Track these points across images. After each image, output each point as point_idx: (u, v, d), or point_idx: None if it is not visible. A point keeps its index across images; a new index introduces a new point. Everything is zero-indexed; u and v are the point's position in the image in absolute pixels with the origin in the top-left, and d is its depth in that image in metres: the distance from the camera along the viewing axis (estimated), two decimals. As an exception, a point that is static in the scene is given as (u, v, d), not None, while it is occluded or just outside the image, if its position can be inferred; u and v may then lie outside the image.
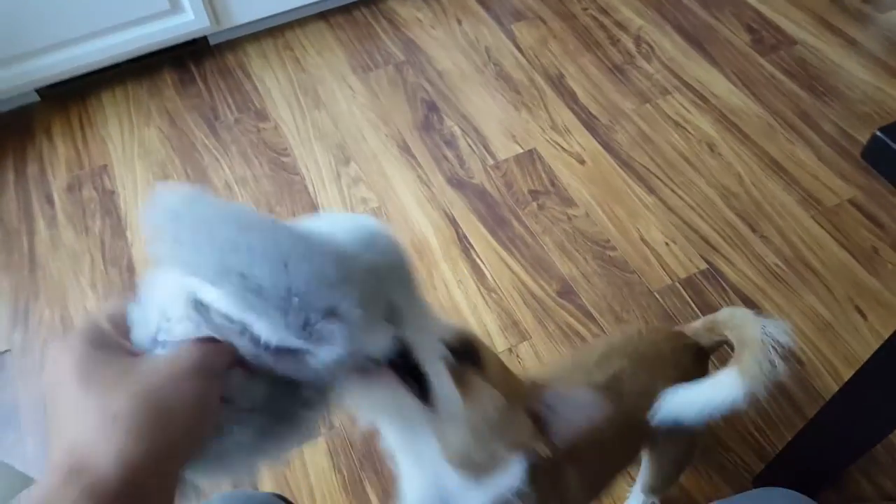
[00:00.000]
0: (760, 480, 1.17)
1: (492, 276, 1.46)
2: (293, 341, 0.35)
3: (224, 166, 1.70)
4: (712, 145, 1.68)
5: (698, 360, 0.89)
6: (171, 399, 0.35)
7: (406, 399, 0.49)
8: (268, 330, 0.35)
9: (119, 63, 1.86)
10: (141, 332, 0.39)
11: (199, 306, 0.37)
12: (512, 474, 0.57)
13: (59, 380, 0.37)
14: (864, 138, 1.66)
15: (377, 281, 0.39)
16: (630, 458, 0.90)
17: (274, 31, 2.03)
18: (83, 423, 0.34)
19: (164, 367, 0.36)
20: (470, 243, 1.52)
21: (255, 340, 0.36)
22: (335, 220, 0.42)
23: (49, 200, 1.66)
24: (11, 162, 1.74)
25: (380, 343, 0.40)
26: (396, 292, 0.41)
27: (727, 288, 1.42)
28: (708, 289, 1.43)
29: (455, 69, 1.90)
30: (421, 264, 1.49)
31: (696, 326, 0.92)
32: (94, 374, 0.36)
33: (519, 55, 1.93)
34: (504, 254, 1.50)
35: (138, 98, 1.87)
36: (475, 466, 0.54)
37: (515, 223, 1.55)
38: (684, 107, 1.77)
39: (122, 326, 0.40)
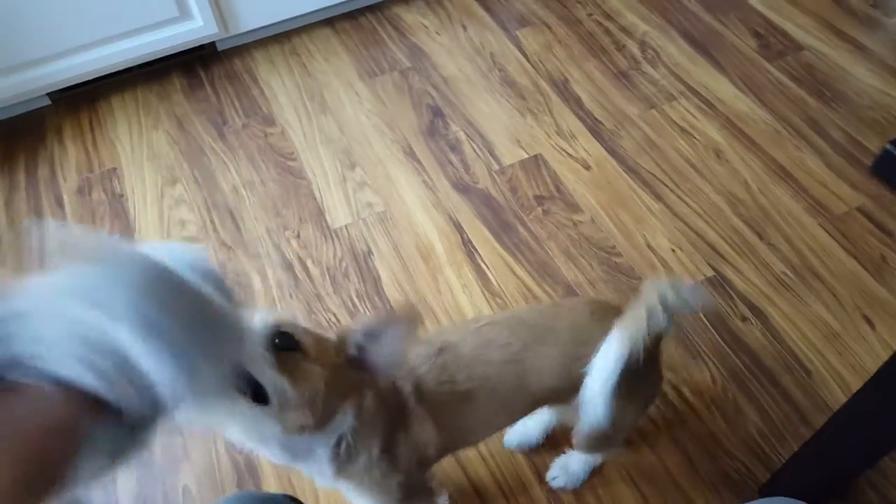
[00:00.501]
0: (766, 490, 1.16)
1: (496, 281, 1.46)
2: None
3: (231, 170, 1.71)
4: (719, 151, 1.68)
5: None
6: (38, 451, 0.34)
7: (244, 407, 0.59)
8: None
9: (129, 68, 1.88)
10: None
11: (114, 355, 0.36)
12: (346, 418, 0.72)
13: None
14: (872, 145, 1.66)
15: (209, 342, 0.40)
16: (509, 417, 0.96)
17: (281, 37, 2.03)
18: None
19: (36, 417, 0.34)
20: (475, 248, 1.52)
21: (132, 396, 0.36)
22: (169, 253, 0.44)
23: (59, 203, 1.67)
24: (23, 164, 1.76)
25: (212, 384, 0.41)
26: (224, 342, 0.43)
27: (734, 295, 1.42)
28: (714, 296, 1.42)
29: (460, 75, 1.90)
30: (426, 268, 1.49)
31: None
32: None
33: (524, 61, 1.93)
34: (509, 259, 1.50)
35: (148, 102, 1.89)
36: (314, 428, 0.67)
37: (520, 228, 1.55)
38: (690, 112, 1.76)
39: None
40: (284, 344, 0.63)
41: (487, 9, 2.08)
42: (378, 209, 1.61)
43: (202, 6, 1.78)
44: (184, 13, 1.79)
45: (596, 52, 1.94)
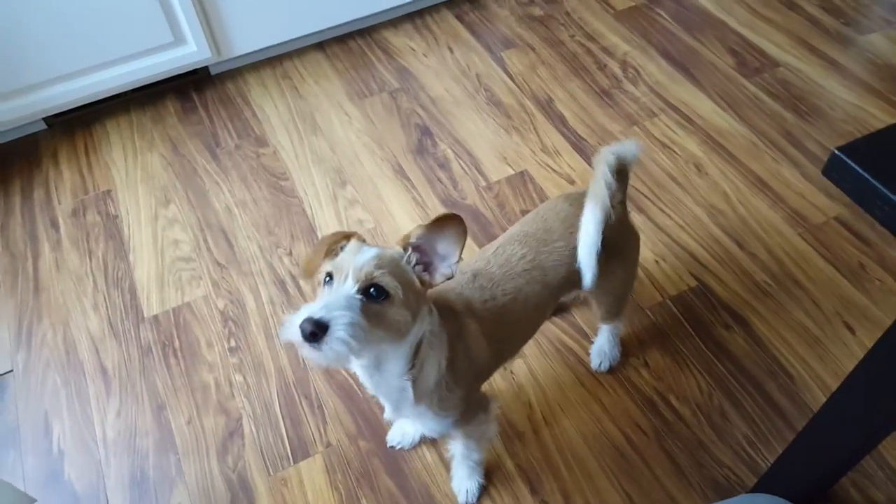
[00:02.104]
0: (752, 493, 1.18)
1: (486, 295, 1.49)
2: None
3: (224, 190, 1.74)
4: (699, 165, 1.72)
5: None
6: None
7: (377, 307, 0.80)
8: None
9: (124, 92, 1.91)
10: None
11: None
12: (423, 325, 0.88)
13: None
14: (846, 157, 1.70)
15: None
16: (544, 312, 1.13)
17: (273, 60, 2.08)
18: None
19: None
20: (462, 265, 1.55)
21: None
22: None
23: (54, 224, 1.69)
24: (18, 187, 1.78)
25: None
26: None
27: (716, 304, 1.45)
28: (698, 305, 1.45)
29: (447, 95, 1.95)
30: (416, 284, 1.52)
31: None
32: None
33: (509, 81, 1.98)
34: (497, 273, 1.53)
35: (142, 125, 1.92)
36: (410, 322, 0.85)
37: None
38: (671, 128, 1.82)
39: None
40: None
41: (473, 32, 2.14)
42: (369, 226, 1.64)
43: (196, 32, 1.83)
44: (178, 38, 1.84)
45: (579, 71, 1.99)
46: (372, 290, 0.78)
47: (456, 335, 0.95)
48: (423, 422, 1.02)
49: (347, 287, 0.78)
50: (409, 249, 0.84)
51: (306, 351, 0.75)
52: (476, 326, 0.98)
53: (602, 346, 1.36)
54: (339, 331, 0.74)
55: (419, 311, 0.86)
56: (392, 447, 1.28)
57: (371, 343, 0.80)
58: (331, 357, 0.75)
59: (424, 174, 1.75)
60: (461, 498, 1.20)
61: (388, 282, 0.79)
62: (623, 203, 1.11)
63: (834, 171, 0.58)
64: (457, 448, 1.16)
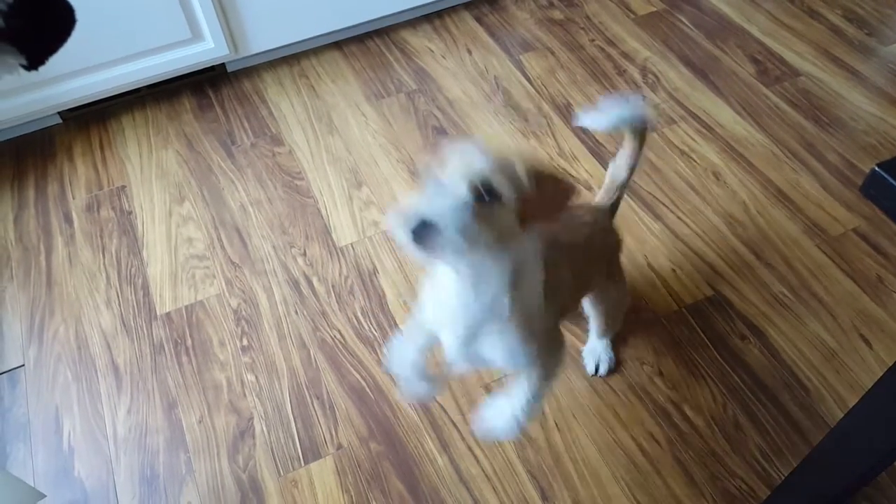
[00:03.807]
0: (766, 507, 1.17)
1: (500, 299, 1.48)
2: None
3: (239, 188, 1.74)
4: (718, 174, 1.71)
5: (612, 215, 1.23)
6: None
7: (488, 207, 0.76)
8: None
9: (140, 88, 1.92)
10: None
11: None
12: (525, 238, 0.83)
13: None
14: (867, 168, 1.68)
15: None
16: (589, 283, 1.18)
17: (290, 58, 2.08)
18: None
19: None
20: (478, 267, 1.55)
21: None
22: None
23: (68, 219, 1.70)
24: (33, 181, 1.79)
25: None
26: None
27: (733, 315, 1.44)
28: (714, 315, 1.44)
29: (465, 97, 1.94)
30: (430, 287, 1.51)
31: (601, 195, 1.23)
32: None
33: (527, 84, 1.97)
34: (512, 278, 1.52)
35: (157, 122, 1.93)
36: (518, 230, 0.80)
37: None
38: (690, 136, 1.80)
39: None
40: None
41: (492, 34, 2.13)
42: (383, 227, 1.64)
43: (213, 28, 1.83)
44: (195, 35, 1.84)
45: (598, 76, 1.98)
46: (484, 191, 0.74)
47: (549, 262, 0.93)
48: (505, 346, 0.93)
49: (460, 185, 0.73)
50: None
51: (412, 250, 0.72)
52: (562, 257, 0.98)
53: (595, 348, 1.37)
54: (450, 232, 0.71)
55: (528, 222, 0.81)
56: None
57: (478, 247, 0.76)
58: (437, 256, 0.75)
59: (440, 176, 1.74)
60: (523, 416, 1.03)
61: (502, 183, 0.74)
62: (616, 206, 1.21)
63: (873, 187, 0.57)
64: (518, 387, 1.02)
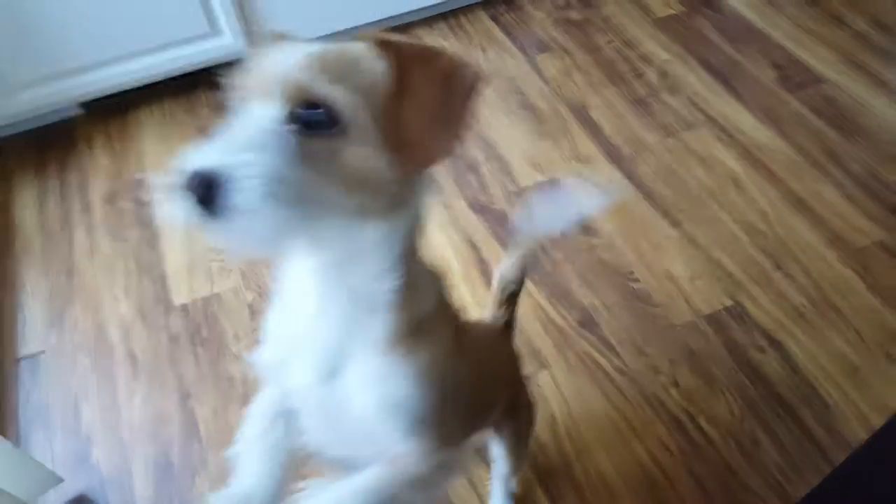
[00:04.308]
0: (784, 526, 1.13)
1: (512, 303, 1.45)
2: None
3: (249, 184, 1.72)
4: (737, 181, 1.67)
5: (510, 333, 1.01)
6: None
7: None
8: None
9: (158, 81, 1.91)
10: None
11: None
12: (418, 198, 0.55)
13: None
14: (892, 179, 1.65)
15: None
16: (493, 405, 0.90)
17: (303, 53, 2.06)
18: None
19: None
20: (490, 267, 1.52)
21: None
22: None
23: (88, 209, 1.69)
24: (55, 171, 1.79)
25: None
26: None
27: (751, 325, 1.40)
28: (732, 325, 1.41)
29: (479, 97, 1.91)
30: (441, 289, 1.48)
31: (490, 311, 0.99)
32: None
33: (543, 86, 1.94)
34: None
35: (175, 115, 1.91)
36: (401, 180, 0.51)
37: (537, 250, 1.55)
38: (709, 141, 1.76)
39: None
40: None
41: (508, 33, 2.10)
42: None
43: (231, 23, 1.82)
44: (213, 29, 1.83)
45: (615, 78, 1.95)
46: (311, 112, 0.46)
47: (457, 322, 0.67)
48: (385, 384, 0.57)
49: (267, 110, 0.46)
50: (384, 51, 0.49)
51: (199, 226, 0.44)
52: (467, 342, 0.70)
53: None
54: (248, 184, 0.42)
55: (404, 157, 0.48)
56: None
57: (319, 208, 0.46)
58: (240, 233, 0.43)
59: (453, 177, 1.71)
60: None
61: (340, 96, 0.45)
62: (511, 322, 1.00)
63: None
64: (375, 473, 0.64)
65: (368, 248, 0.53)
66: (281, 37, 0.52)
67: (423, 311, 0.58)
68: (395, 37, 0.50)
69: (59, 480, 1.20)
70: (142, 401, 1.36)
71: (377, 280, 0.54)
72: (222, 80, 0.49)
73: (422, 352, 0.57)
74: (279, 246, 0.52)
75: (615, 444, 1.25)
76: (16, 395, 1.38)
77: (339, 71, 0.46)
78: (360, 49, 0.49)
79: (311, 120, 0.45)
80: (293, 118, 0.46)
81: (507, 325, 0.99)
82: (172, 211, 0.44)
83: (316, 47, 0.48)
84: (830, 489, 1.01)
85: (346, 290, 0.55)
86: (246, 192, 0.42)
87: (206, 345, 1.43)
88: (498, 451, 1.04)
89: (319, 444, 0.64)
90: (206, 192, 0.43)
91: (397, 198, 0.51)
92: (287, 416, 0.65)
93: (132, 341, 1.45)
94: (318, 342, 0.57)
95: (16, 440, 1.31)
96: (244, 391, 1.35)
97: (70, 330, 1.48)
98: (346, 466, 0.65)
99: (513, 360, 1.01)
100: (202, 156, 0.44)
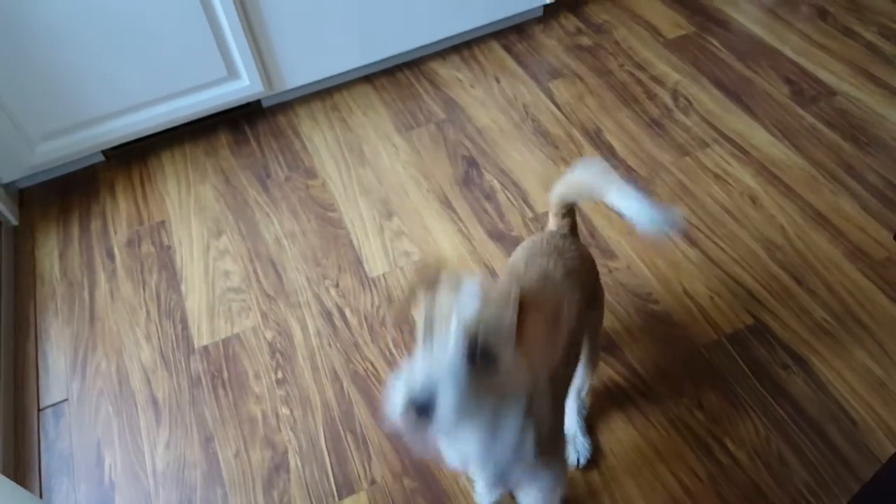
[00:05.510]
0: (815, 546, 1.12)
1: (533, 329, 1.47)
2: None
3: (274, 221, 1.78)
4: (754, 197, 1.68)
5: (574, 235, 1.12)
6: None
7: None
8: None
9: (179, 125, 1.98)
10: None
11: None
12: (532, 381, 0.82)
13: None
14: (911, 190, 1.64)
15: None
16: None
17: (322, 93, 2.13)
18: None
19: None
20: (510, 297, 1.54)
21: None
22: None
23: (110, 255, 1.75)
24: (77, 218, 1.85)
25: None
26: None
27: (774, 343, 1.40)
28: (755, 344, 1.41)
29: (494, 126, 1.95)
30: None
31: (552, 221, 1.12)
32: None
33: (556, 111, 1.97)
34: (545, 307, 1.51)
35: (195, 157, 1.98)
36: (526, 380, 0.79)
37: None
38: (724, 159, 1.78)
39: None
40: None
41: (520, 62, 2.15)
42: (415, 258, 1.65)
43: (249, 67, 1.89)
44: (232, 73, 1.90)
45: (628, 101, 1.97)
46: (483, 359, 0.68)
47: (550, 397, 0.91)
48: (538, 478, 0.93)
49: (451, 348, 0.67)
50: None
51: (412, 437, 0.68)
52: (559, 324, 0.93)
53: (573, 436, 1.28)
54: (445, 410, 0.65)
55: (528, 361, 0.74)
56: None
57: (481, 412, 0.72)
58: (438, 436, 0.71)
59: (471, 206, 1.75)
60: None
61: (500, 347, 0.68)
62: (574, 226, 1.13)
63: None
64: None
65: (511, 412, 0.80)
66: (449, 272, 0.74)
67: (545, 424, 0.86)
68: (524, 290, 0.71)
69: None
70: (164, 446, 1.38)
71: (518, 424, 0.82)
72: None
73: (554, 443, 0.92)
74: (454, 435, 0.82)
75: (641, 468, 1.26)
76: (39, 444, 1.41)
77: (497, 321, 0.69)
78: (507, 295, 0.70)
79: (476, 357, 0.68)
80: (469, 355, 0.68)
81: (572, 231, 1.11)
82: (397, 421, 0.67)
83: (477, 294, 0.69)
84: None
85: (501, 438, 0.82)
86: (444, 413, 0.66)
87: (227, 386, 1.46)
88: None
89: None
90: (421, 409, 0.66)
91: (521, 388, 0.79)
92: None
93: (154, 386, 1.48)
94: (487, 468, 0.86)
95: (39, 491, 1.33)
96: (265, 432, 1.38)
97: (92, 376, 1.51)
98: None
99: (588, 262, 1.08)
100: (416, 388, 0.66)
